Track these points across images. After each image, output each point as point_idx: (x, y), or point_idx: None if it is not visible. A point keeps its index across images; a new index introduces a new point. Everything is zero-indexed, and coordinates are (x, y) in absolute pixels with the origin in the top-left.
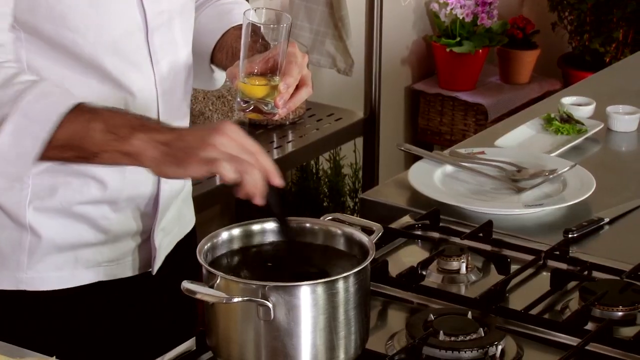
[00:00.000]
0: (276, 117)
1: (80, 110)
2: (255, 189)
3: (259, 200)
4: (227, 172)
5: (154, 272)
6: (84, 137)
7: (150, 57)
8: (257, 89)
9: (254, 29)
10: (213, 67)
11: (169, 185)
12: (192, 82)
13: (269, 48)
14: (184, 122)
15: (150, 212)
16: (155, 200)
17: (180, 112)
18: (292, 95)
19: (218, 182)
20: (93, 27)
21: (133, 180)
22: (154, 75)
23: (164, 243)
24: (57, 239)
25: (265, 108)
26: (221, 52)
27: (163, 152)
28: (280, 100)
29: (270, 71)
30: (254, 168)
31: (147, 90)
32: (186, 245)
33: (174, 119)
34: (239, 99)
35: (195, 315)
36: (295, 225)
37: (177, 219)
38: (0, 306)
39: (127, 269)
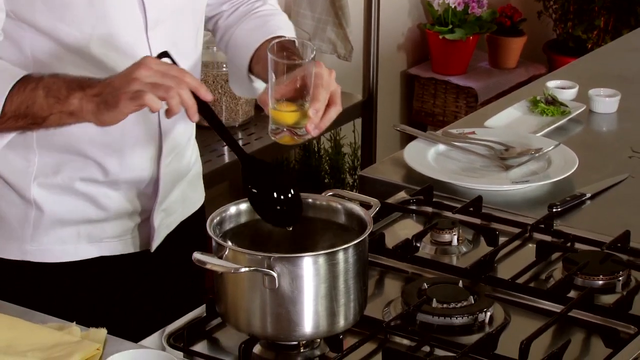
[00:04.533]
0: (307, 137)
1: (26, 81)
2: (181, 108)
3: (192, 116)
4: (153, 102)
5: (152, 250)
6: (30, 105)
7: (151, 54)
8: (287, 115)
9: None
10: (252, 77)
11: (170, 170)
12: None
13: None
14: (187, 121)
15: (150, 194)
16: (155, 183)
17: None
18: (322, 116)
19: (227, 160)
20: (89, 20)
21: (130, 165)
22: None
23: (165, 223)
24: (59, 214)
25: (297, 133)
26: (258, 65)
27: (97, 102)
28: (311, 125)
29: (300, 96)
30: (175, 90)
31: None
32: (193, 223)
33: (178, 116)
34: (271, 125)
35: (202, 287)
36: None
37: (181, 201)
38: (8, 275)
39: (128, 246)
